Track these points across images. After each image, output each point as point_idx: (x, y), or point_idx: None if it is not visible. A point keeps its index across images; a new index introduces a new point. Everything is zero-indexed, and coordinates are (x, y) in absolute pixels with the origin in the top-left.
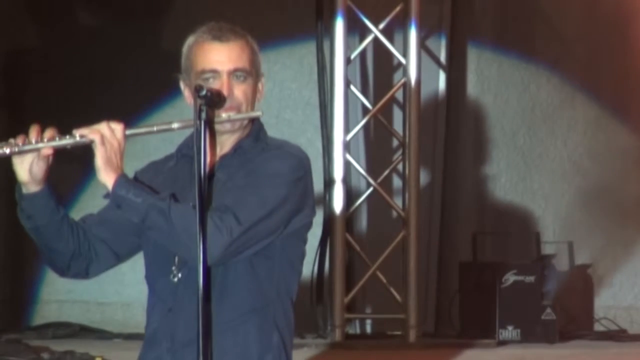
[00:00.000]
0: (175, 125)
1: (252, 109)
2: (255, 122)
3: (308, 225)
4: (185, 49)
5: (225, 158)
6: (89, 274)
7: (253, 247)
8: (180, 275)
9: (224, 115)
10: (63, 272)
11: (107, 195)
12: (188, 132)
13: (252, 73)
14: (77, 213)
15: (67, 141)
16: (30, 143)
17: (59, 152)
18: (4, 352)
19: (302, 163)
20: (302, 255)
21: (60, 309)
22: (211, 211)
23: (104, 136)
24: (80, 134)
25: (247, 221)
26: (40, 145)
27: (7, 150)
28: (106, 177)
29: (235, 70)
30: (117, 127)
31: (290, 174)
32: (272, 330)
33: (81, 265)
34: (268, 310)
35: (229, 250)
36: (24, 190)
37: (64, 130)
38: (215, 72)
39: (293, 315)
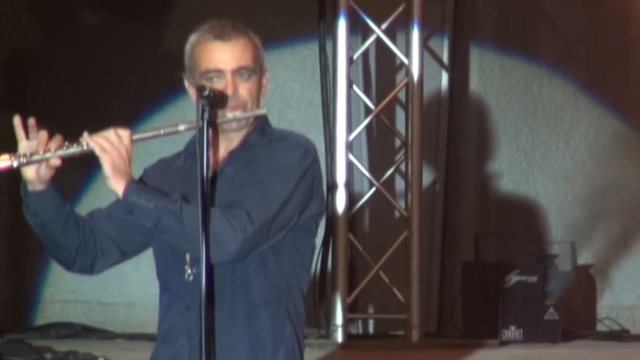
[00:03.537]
0: (181, 128)
1: (258, 105)
2: (260, 117)
3: (318, 216)
4: (187, 47)
5: (234, 153)
6: (94, 269)
7: (267, 242)
8: (194, 273)
9: (229, 114)
10: (69, 267)
11: (119, 200)
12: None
13: (255, 70)
14: (80, 213)
15: (74, 150)
16: (37, 153)
17: None
18: (7, 352)
19: (308, 152)
20: (312, 247)
21: (63, 309)
22: (223, 209)
23: (111, 142)
24: (87, 142)
25: (259, 218)
26: (48, 155)
27: (15, 163)
28: (115, 185)
29: (239, 68)
30: (124, 134)
31: (297, 166)
32: (284, 322)
33: (87, 260)
34: (280, 302)
35: (244, 248)
36: (30, 188)
37: (68, 131)
38: (219, 72)
39: (304, 307)
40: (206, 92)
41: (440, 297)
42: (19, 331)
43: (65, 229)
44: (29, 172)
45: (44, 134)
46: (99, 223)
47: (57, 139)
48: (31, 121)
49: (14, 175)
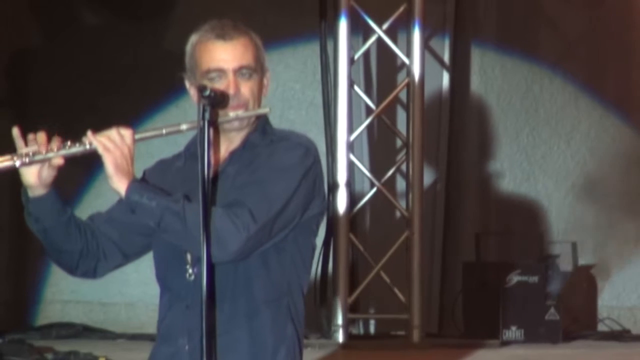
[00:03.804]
0: (183, 127)
1: (259, 104)
2: (261, 116)
3: (319, 215)
4: (188, 47)
5: (235, 153)
6: (97, 273)
7: (269, 241)
8: (195, 272)
9: (231, 114)
10: (72, 271)
11: (120, 201)
12: (196, 132)
13: (257, 69)
14: (81, 213)
15: (77, 149)
16: (40, 153)
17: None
18: (8, 352)
19: (310, 152)
20: (313, 247)
21: (64, 309)
22: (226, 208)
23: (113, 142)
24: (89, 142)
25: (262, 217)
26: (50, 155)
27: (18, 163)
28: (118, 184)
29: (241, 67)
30: (127, 133)
31: (299, 165)
32: (286, 322)
33: (90, 264)
34: (281, 302)
35: (246, 247)
36: (30, 194)
37: (69, 131)
38: (220, 71)
39: (304, 307)
40: (207, 92)
41: (441, 297)
42: (20, 331)
43: (67, 233)
44: (31, 177)
45: (42, 136)
46: (101, 226)
47: (57, 139)
48: (15, 131)
49: (15, 176)
